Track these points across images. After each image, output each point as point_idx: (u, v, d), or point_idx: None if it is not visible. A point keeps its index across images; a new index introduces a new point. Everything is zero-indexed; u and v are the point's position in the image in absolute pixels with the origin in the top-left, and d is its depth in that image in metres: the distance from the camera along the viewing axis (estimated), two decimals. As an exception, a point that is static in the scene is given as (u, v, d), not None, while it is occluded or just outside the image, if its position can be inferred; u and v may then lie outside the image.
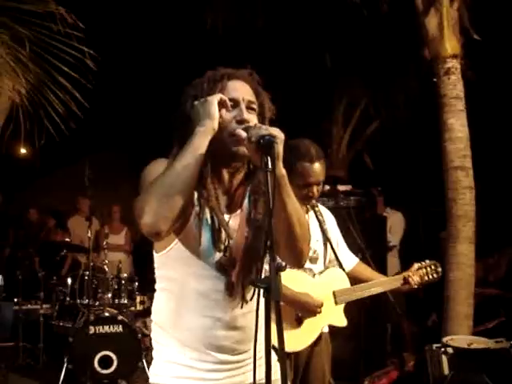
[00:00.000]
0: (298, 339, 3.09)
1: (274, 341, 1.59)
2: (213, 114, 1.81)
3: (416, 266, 3.45)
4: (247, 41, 8.23)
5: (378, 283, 3.37)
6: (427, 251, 7.87)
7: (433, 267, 3.49)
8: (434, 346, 4.45)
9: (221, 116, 1.86)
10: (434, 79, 5.30)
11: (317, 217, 3.31)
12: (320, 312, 3.08)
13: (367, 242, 5.13)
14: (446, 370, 4.29)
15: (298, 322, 3.10)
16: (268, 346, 1.62)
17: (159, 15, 8.42)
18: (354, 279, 3.36)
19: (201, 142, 1.79)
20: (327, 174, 7.75)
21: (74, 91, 4.86)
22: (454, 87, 5.19)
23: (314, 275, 3.19)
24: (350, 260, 3.45)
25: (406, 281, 3.39)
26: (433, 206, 6.76)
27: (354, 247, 4.68)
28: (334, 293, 3.21)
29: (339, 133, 9.10)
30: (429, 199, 7.59)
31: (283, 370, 1.59)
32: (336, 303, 3.22)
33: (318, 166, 3.10)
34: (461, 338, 4.58)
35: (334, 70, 8.60)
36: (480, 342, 4.38)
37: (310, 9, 7.76)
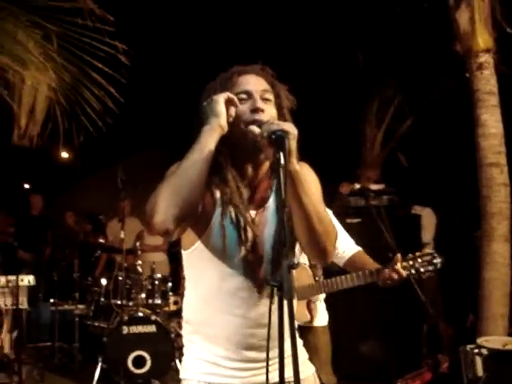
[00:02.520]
0: None
1: None
2: (218, 112, 1.81)
3: (398, 259, 3.13)
4: (282, 41, 8.23)
5: (346, 278, 3.27)
6: (464, 250, 7.75)
7: (426, 257, 3.16)
8: (468, 346, 4.36)
9: (231, 115, 1.85)
10: (467, 74, 5.20)
11: None
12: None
13: (400, 241, 5.06)
14: (480, 372, 4.20)
15: None
16: (282, 344, 1.59)
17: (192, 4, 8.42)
18: (353, 268, 3.33)
19: (207, 140, 1.78)
20: (361, 173, 7.60)
21: (109, 87, 4.86)
22: (486, 82, 5.09)
23: None
24: (346, 250, 3.43)
25: (380, 274, 3.16)
26: (469, 204, 6.63)
27: (384, 246, 4.65)
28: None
29: (372, 132, 9.00)
30: (466, 197, 7.44)
31: (295, 370, 1.55)
32: (297, 299, 3.20)
33: None
34: (496, 338, 4.49)
35: (367, 69, 8.52)
36: (515, 343, 4.28)
37: (341, 8, 7.70)
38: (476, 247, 6.62)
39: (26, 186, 16.16)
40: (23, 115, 4.86)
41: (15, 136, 4.92)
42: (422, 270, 3.15)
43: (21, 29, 4.75)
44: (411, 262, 3.15)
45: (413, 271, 3.14)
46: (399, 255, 3.15)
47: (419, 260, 3.16)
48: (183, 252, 1.98)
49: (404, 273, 3.11)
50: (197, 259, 1.93)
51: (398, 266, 3.10)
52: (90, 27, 4.67)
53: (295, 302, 3.11)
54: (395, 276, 3.09)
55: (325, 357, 3.49)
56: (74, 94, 4.95)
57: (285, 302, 1.56)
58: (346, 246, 3.45)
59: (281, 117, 1.92)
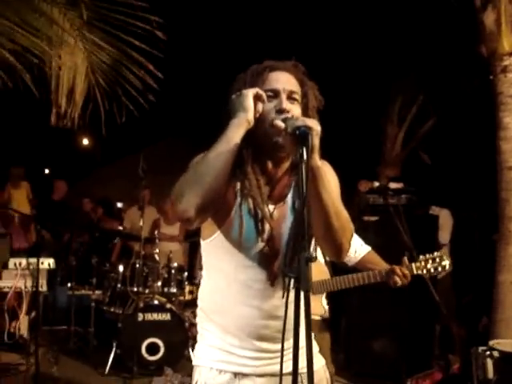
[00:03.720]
0: None
1: None
2: (247, 107, 1.84)
3: (405, 260, 3.37)
4: (307, 38, 8.24)
5: (358, 276, 3.41)
6: (481, 253, 7.71)
7: (437, 261, 3.38)
8: (480, 348, 4.36)
9: (258, 110, 1.88)
10: (491, 77, 5.18)
11: None
12: None
13: (418, 240, 5.07)
14: (491, 374, 4.19)
15: None
16: (297, 335, 1.63)
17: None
18: (364, 269, 3.47)
19: (234, 134, 1.82)
20: (381, 171, 7.60)
21: (148, 64, 4.76)
22: (510, 85, 5.08)
23: None
24: (358, 250, 3.57)
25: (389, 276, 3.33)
26: (488, 207, 6.60)
27: (401, 244, 4.67)
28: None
29: (394, 131, 9.00)
30: (485, 199, 7.41)
31: (309, 362, 1.59)
32: (313, 293, 3.33)
33: None
34: (508, 341, 4.48)
35: (391, 68, 8.50)
36: (528, 347, 4.27)
37: (366, 6, 7.70)
38: (494, 250, 6.61)
39: (47, 171, 16.35)
40: (62, 97, 4.84)
41: (53, 118, 4.90)
42: (432, 271, 3.38)
43: (56, 10, 4.73)
44: (423, 263, 3.37)
45: (424, 272, 3.37)
46: (406, 258, 3.36)
47: (430, 261, 3.37)
48: (202, 242, 2.02)
49: (409, 276, 3.30)
50: (215, 249, 1.97)
51: (406, 268, 3.31)
52: (124, 4, 4.58)
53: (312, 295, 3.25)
54: (403, 278, 3.27)
55: (328, 346, 3.59)
56: (113, 75, 4.89)
57: (301, 294, 1.60)
58: (357, 247, 3.58)
59: (306, 116, 1.92)
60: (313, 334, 2.06)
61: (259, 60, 2.03)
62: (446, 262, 3.39)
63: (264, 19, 8.21)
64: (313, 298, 3.31)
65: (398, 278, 3.26)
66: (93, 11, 4.72)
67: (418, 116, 9.01)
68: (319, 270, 3.41)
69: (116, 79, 4.88)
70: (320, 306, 3.44)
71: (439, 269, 3.38)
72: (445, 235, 7.17)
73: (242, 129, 1.84)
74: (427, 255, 3.40)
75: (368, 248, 3.61)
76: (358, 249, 3.57)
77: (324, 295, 3.58)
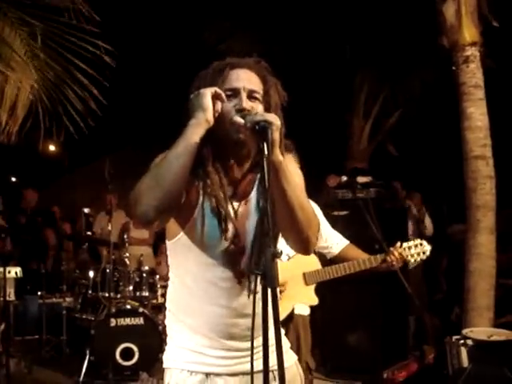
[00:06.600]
0: None
1: None
2: (205, 106, 1.80)
3: (398, 244, 3.57)
4: (268, 34, 8.24)
5: (351, 264, 3.55)
6: (450, 242, 7.79)
7: (419, 247, 3.57)
8: (454, 337, 4.41)
9: (217, 109, 1.84)
10: (453, 68, 5.23)
11: None
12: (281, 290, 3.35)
13: (387, 233, 5.09)
14: (466, 363, 4.25)
15: None
16: (266, 333, 1.61)
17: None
18: (344, 260, 3.60)
19: (193, 134, 1.79)
20: (349, 166, 7.67)
21: (92, 88, 4.77)
22: (473, 75, 5.13)
23: (288, 259, 3.46)
24: (340, 243, 3.70)
25: (385, 260, 3.54)
26: (456, 196, 6.66)
27: (371, 238, 4.69)
28: (304, 274, 3.50)
29: (360, 124, 9.04)
30: (453, 189, 7.48)
31: (279, 359, 1.57)
32: (306, 284, 3.51)
33: None
34: (481, 329, 4.54)
35: (354, 61, 8.54)
36: (501, 334, 4.32)
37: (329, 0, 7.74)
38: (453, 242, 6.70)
39: (13, 179, 16.08)
40: (3, 112, 4.77)
41: None
42: (416, 257, 3.58)
43: (8, 26, 4.68)
44: (408, 251, 3.56)
45: (409, 257, 3.57)
46: (399, 243, 3.58)
47: (413, 248, 3.57)
48: (167, 242, 2.00)
49: (403, 259, 3.56)
50: (180, 249, 1.95)
51: (403, 252, 3.56)
52: (76, 27, 4.60)
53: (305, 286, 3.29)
54: (399, 261, 3.54)
55: (309, 340, 3.66)
56: (56, 93, 4.85)
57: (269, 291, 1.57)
58: (337, 240, 3.69)
59: None
60: (282, 331, 2.05)
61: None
62: (427, 248, 3.59)
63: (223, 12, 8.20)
64: (307, 288, 3.48)
65: (394, 260, 3.50)
66: (44, 30, 4.69)
67: (384, 109, 9.07)
68: (310, 261, 3.51)
69: (59, 98, 4.86)
70: (313, 295, 3.56)
71: (422, 256, 3.58)
72: (429, 227, 7.28)
73: (201, 129, 1.81)
74: (410, 242, 3.60)
75: (347, 241, 3.73)
76: (338, 242, 3.69)
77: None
